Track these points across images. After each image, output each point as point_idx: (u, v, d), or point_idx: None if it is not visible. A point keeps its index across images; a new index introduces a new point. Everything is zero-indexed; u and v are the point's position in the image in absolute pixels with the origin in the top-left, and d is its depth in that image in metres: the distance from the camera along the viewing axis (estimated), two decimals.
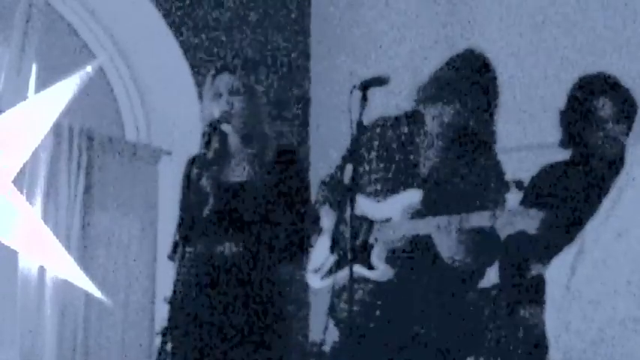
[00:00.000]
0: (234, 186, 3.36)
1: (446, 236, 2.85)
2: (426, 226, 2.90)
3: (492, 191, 2.97)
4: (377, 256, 2.98)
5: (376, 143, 3.12)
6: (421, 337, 2.94)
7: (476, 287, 3.16)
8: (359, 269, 2.96)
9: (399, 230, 2.96)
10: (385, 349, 2.97)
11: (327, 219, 3.13)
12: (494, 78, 3.02)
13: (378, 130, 3.13)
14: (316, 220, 3.24)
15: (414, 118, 3.09)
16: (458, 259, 2.91)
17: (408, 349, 2.95)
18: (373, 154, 3.10)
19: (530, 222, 2.73)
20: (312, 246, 3.28)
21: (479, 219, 2.81)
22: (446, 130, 3.01)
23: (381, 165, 3.08)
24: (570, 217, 3.01)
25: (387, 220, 2.99)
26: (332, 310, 3.03)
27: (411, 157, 3.06)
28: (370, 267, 2.98)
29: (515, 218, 2.76)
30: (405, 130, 3.10)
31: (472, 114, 2.97)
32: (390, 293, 2.98)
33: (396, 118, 3.13)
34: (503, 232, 2.85)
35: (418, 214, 2.96)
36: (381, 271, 2.97)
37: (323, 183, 3.29)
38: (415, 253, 2.97)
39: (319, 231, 3.20)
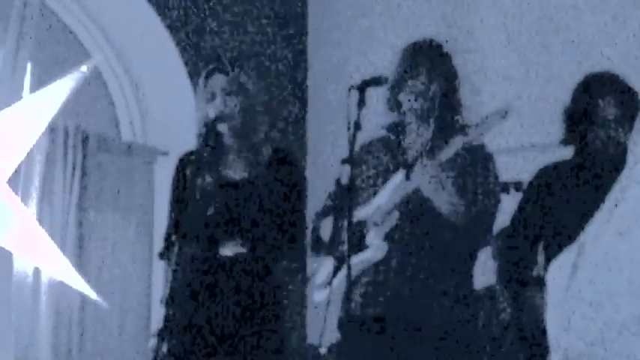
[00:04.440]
0: (230, 186, 3.35)
1: (433, 181, 2.90)
2: (409, 185, 2.95)
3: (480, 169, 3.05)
4: (371, 237, 2.99)
5: (370, 162, 3.12)
6: (422, 333, 2.92)
7: (485, 241, 3.19)
8: (356, 259, 2.94)
9: (387, 207, 2.99)
10: (386, 348, 2.95)
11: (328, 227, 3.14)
12: (452, 63, 3.12)
13: (369, 155, 3.14)
14: (315, 234, 3.23)
15: (397, 127, 3.11)
16: (456, 203, 2.92)
17: (408, 349, 2.93)
18: (370, 172, 3.11)
19: (499, 121, 2.88)
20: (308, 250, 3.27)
21: (453, 147, 2.90)
22: (419, 113, 3.05)
23: (378, 180, 3.08)
24: (571, 217, 3.01)
25: (377, 209, 3.03)
26: (340, 323, 3.02)
27: (402, 157, 3.07)
28: (364, 248, 2.98)
29: (484, 125, 2.90)
30: (392, 138, 3.11)
31: (437, 94, 3.05)
32: (387, 282, 2.96)
33: (382, 138, 3.16)
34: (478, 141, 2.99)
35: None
36: (375, 246, 2.97)
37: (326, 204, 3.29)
38: (410, 225, 2.98)
39: (322, 246, 3.19)
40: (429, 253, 2.96)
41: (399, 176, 3.02)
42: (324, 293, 3.11)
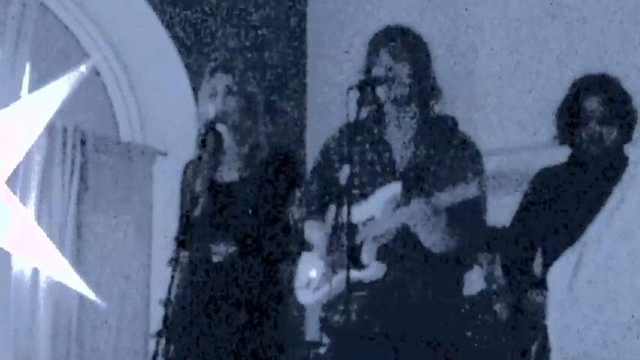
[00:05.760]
0: (229, 186, 3.36)
1: (424, 223, 2.80)
2: (403, 216, 2.84)
3: (469, 171, 2.88)
4: (367, 255, 2.93)
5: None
6: (416, 341, 2.90)
7: (464, 272, 3.12)
8: (352, 275, 2.89)
9: (382, 225, 2.90)
10: (380, 352, 2.93)
11: (316, 230, 3.08)
12: (424, 45, 3.05)
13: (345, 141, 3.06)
14: (299, 237, 3.20)
15: (376, 117, 3.06)
16: (442, 246, 2.86)
17: (402, 353, 2.91)
18: (354, 168, 3.03)
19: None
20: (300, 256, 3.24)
21: (452, 195, 2.75)
22: (396, 101, 2.98)
23: (361, 169, 3.02)
24: (571, 219, 3.00)
25: (371, 219, 2.93)
26: (325, 322, 2.99)
27: (386, 154, 3.02)
28: (361, 267, 2.92)
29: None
30: (373, 130, 3.05)
31: (411, 78, 2.97)
32: (383, 297, 2.93)
33: (357, 123, 3.03)
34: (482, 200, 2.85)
35: (400, 205, 2.90)
36: (373, 268, 2.91)
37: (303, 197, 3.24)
38: (405, 247, 2.91)
39: (302, 247, 3.15)
40: (424, 266, 2.92)
41: (393, 188, 2.92)
42: (312, 296, 3.06)
